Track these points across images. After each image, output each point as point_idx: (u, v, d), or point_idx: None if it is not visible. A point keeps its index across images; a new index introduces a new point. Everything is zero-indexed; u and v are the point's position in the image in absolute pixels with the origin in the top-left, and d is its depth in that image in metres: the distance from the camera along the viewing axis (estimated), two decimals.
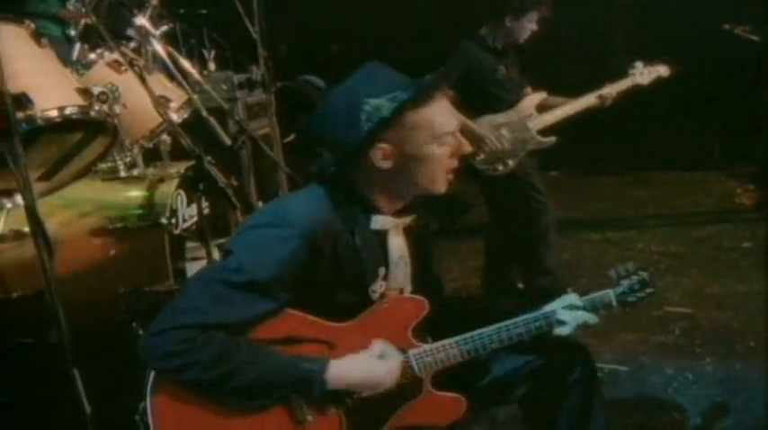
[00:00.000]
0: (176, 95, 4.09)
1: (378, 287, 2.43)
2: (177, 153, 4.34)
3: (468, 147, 2.39)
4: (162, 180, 3.74)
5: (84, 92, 3.20)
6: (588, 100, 4.92)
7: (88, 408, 2.69)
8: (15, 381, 3.43)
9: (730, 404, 3.71)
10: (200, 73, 4.81)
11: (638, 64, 5.05)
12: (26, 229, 3.42)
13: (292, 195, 2.45)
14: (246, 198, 4.41)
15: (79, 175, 3.53)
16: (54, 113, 3.00)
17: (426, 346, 2.41)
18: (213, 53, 6.25)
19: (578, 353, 2.65)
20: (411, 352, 2.39)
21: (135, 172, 3.89)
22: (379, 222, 2.39)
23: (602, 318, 2.59)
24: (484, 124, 4.79)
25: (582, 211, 7.53)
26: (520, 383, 2.65)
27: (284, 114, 5.84)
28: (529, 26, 4.82)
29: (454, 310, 2.71)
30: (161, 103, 3.55)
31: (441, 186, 2.38)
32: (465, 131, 4.51)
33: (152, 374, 2.19)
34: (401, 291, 2.51)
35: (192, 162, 3.68)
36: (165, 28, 4.32)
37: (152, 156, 4.25)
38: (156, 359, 2.14)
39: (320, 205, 2.30)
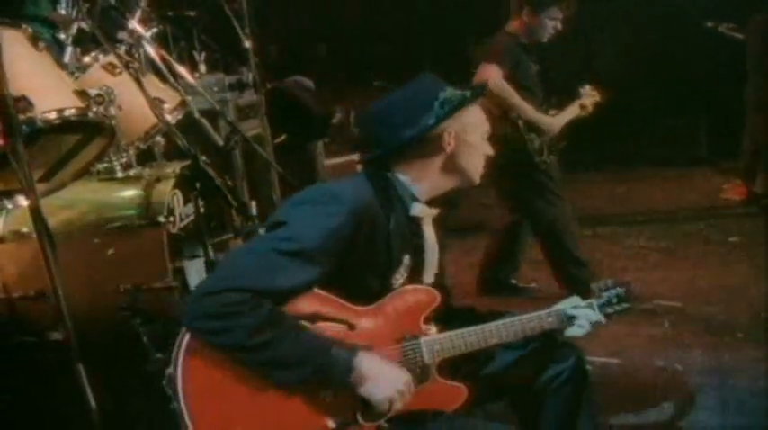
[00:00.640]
0: (170, 97, 4.11)
1: (400, 275, 2.55)
2: (171, 154, 4.38)
3: (490, 150, 2.67)
4: (159, 179, 3.75)
5: (82, 94, 3.23)
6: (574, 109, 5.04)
7: (93, 404, 2.73)
8: (19, 380, 3.47)
9: (718, 393, 3.78)
10: (192, 75, 4.84)
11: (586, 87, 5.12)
12: (26, 230, 3.48)
13: (337, 180, 2.67)
14: (240, 197, 4.44)
15: (77, 176, 3.55)
16: (53, 115, 3.03)
17: (436, 335, 2.50)
18: (204, 55, 6.27)
19: (568, 352, 2.73)
20: (422, 339, 2.47)
21: (132, 172, 3.91)
22: (418, 209, 2.56)
23: None
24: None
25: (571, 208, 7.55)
26: (510, 379, 2.74)
27: (274, 115, 5.89)
28: (550, 24, 4.85)
29: (461, 304, 2.88)
30: (156, 104, 3.59)
31: (478, 177, 2.66)
32: (531, 117, 4.81)
33: (185, 338, 2.24)
34: (421, 281, 2.62)
35: (188, 161, 3.73)
36: (155, 30, 4.37)
37: (146, 157, 4.28)
38: (197, 318, 2.21)
39: (364, 188, 2.47)
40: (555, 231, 5.02)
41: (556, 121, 4.92)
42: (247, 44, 5.41)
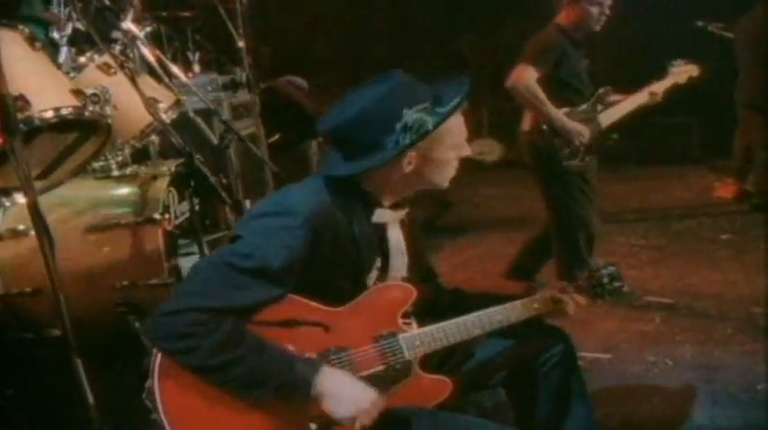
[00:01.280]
0: (164, 96, 4.13)
1: (373, 275, 2.53)
2: (166, 152, 4.42)
3: (468, 151, 2.52)
4: (154, 178, 3.79)
5: (78, 93, 3.26)
6: (642, 96, 4.91)
7: (91, 400, 2.76)
8: (16, 375, 3.49)
9: (709, 388, 3.81)
10: (186, 75, 4.86)
11: (679, 62, 5.06)
12: (23, 227, 3.52)
13: (294, 186, 2.51)
14: (234, 195, 4.47)
15: (74, 174, 3.58)
16: (50, 114, 3.06)
17: (415, 330, 2.49)
18: (198, 55, 6.29)
19: (557, 336, 2.77)
20: (400, 335, 2.46)
21: (127, 170, 3.95)
22: (380, 215, 2.50)
23: (585, 307, 2.76)
24: (574, 119, 4.66)
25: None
26: (501, 367, 2.77)
27: (268, 115, 5.91)
28: (595, 11, 4.62)
29: (445, 297, 2.86)
30: (151, 103, 3.62)
31: (446, 183, 2.53)
32: (556, 125, 4.56)
33: (158, 356, 2.22)
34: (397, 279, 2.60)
35: (183, 160, 3.76)
36: (148, 29, 4.39)
37: (141, 155, 4.31)
38: (162, 339, 2.18)
39: (321, 196, 2.38)
40: (572, 228, 4.85)
41: (587, 126, 4.68)
42: (241, 44, 5.43)
